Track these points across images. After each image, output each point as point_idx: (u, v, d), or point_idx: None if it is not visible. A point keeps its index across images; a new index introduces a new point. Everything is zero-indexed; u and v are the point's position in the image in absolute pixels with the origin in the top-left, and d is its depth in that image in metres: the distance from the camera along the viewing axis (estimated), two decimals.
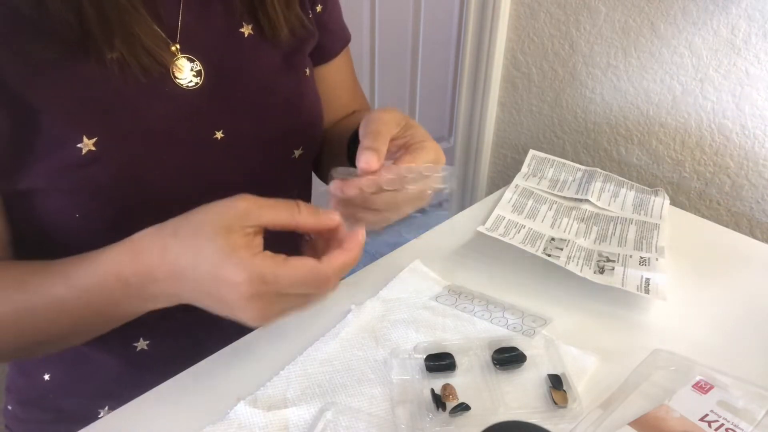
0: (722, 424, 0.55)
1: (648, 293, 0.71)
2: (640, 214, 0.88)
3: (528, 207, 0.89)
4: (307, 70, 0.73)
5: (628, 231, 0.84)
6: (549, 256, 0.77)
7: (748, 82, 1.00)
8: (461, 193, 1.52)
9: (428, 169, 0.56)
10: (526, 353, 0.63)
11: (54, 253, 0.57)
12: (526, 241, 0.80)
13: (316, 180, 0.83)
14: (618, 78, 1.16)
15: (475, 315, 0.70)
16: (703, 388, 0.59)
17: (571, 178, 0.95)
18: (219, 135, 0.65)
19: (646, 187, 0.93)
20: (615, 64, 1.16)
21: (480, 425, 0.49)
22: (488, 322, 0.69)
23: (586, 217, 0.87)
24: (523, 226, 0.84)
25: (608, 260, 0.77)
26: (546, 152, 1.01)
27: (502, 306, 0.71)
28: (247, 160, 0.68)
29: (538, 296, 0.73)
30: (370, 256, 0.69)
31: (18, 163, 0.57)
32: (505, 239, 0.80)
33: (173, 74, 0.62)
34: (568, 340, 0.65)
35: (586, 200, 0.90)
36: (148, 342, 0.70)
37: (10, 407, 0.76)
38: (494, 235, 0.81)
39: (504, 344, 0.64)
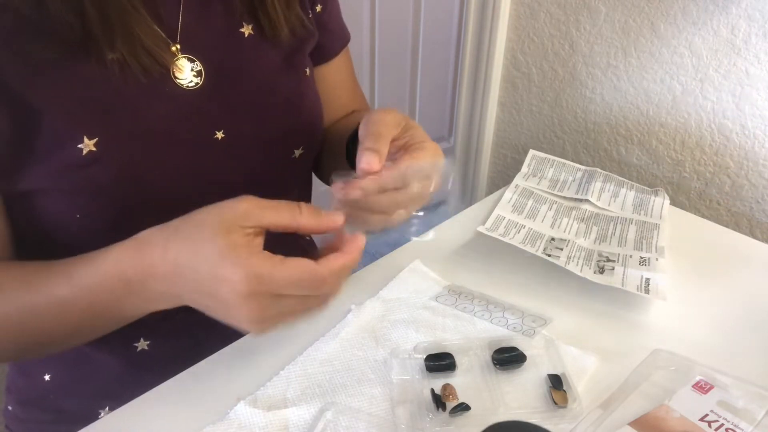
0: (722, 424, 0.55)
1: (648, 293, 0.71)
2: (640, 214, 0.88)
3: (528, 207, 0.89)
4: (308, 70, 0.73)
5: (628, 231, 0.84)
6: (549, 256, 0.77)
7: (748, 82, 1.00)
8: (461, 193, 1.52)
9: (428, 166, 0.57)
10: (526, 353, 0.63)
11: (54, 253, 0.57)
12: (526, 241, 0.80)
13: (316, 180, 0.83)
14: (618, 78, 1.17)
15: (475, 315, 0.70)
16: (703, 388, 0.59)
17: (571, 178, 0.95)
18: (219, 135, 0.65)
19: (646, 187, 0.93)
20: (615, 64, 1.16)
21: (480, 425, 0.49)
22: (488, 322, 0.69)
23: (586, 217, 0.87)
24: (523, 226, 0.84)
25: (608, 260, 0.77)
26: (546, 152, 1.01)
27: (502, 306, 0.71)
28: (247, 160, 0.68)
29: (538, 296, 0.73)
30: (370, 256, 0.69)
31: (18, 163, 0.57)
32: (505, 239, 0.80)
33: (174, 74, 0.62)
34: (568, 340, 0.65)
35: (586, 200, 0.90)
36: (148, 342, 0.70)
37: (10, 407, 0.76)
38: (494, 235, 0.81)
39: (504, 344, 0.64)
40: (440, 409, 0.57)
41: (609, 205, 0.90)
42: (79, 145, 0.56)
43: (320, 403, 0.59)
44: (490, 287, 0.74)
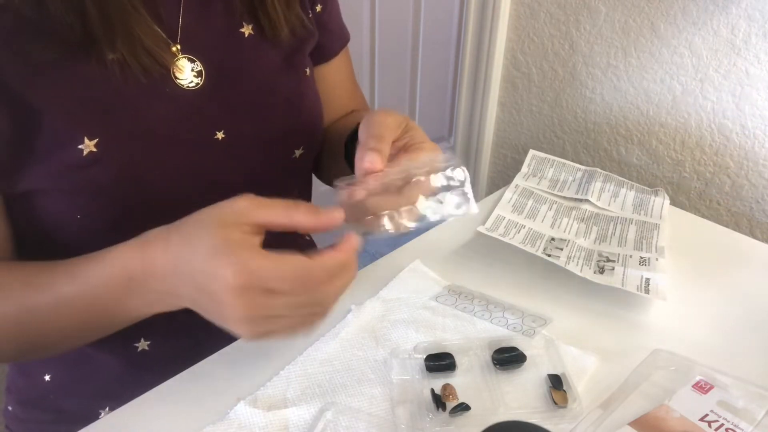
0: (722, 424, 0.55)
1: (648, 293, 0.71)
2: (640, 214, 0.88)
3: (528, 207, 0.89)
4: (308, 70, 0.73)
5: (628, 231, 0.84)
6: (549, 256, 0.77)
7: (748, 82, 1.00)
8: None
9: (429, 160, 0.57)
10: (526, 353, 0.63)
11: (55, 253, 0.57)
12: (526, 241, 0.80)
13: (316, 180, 0.83)
14: (618, 78, 1.17)
15: (475, 315, 0.70)
16: (703, 388, 0.59)
17: (571, 178, 0.95)
18: (220, 135, 0.65)
19: (646, 187, 0.93)
20: (615, 64, 1.16)
21: (480, 425, 0.49)
22: (488, 322, 0.69)
23: (586, 217, 0.87)
24: (523, 226, 0.84)
25: (608, 260, 0.77)
26: (546, 152, 1.01)
27: (502, 306, 0.71)
28: (247, 160, 0.68)
29: (538, 296, 0.73)
30: (370, 256, 0.69)
31: (19, 163, 0.57)
32: (505, 239, 0.80)
33: (174, 75, 0.62)
34: (568, 340, 0.65)
35: (586, 200, 0.90)
36: (149, 342, 0.70)
37: (10, 408, 0.76)
38: (494, 235, 0.81)
39: (504, 344, 0.64)
40: (440, 409, 0.57)
41: (609, 205, 0.90)
42: (80, 146, 0.56)
43: (320, 403, 0.59)
44: (490, 287, 0.74)
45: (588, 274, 0.74)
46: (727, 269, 0.79)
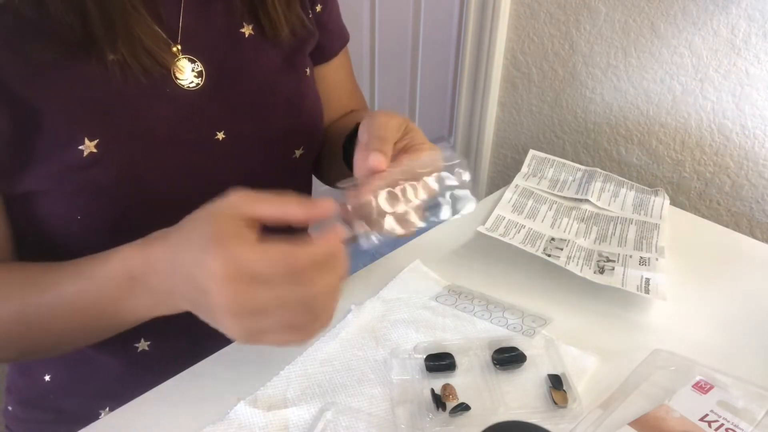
0: (722, 424, 0.55)
1: (648, 293, 0.71)
2: (640, 214, 0.88)
3: (528, 207, 0.89)
4: (308, 70, 0.73)
5: (628, 231, 0.84)
6: (549, 256, 0.77)
7: (748, 82, 1.00)
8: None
9: (431, 159, 0.58)
10: (526, 353, 0.63)
11: (55, 254, 0.57)
12: (526, 241, 0.80)
13: (316, 180, 0.83)
14: (618, 78, 1.17)
15: (475, 315, 0.70)
16: (703, 388, 0.59)
17: (571, 178, 0.95)
18: (220, 136, 0.65)
19: (646, 187, 0.93)
20: (615, 64, 1.16)
21: (480, 425, 0.49)
22: (488, 322, 0.69)
23: (586, 217, 0.87)
24: (523, 226, 0.84)
25: (608, 260, 0.77)
26: (546, 152, 1.01)
27: (502, 306, 0.71)
28: (248, 160, 0.68)
29: (538, 296, 0.73)
30: (370, 256, 0.69)
31: (19, 164, 0.57)
32: (505, 239, 0.80)
33: (174, 75, 0.62)
34: (568, 340, 0.65)
35: (586, 200, 0.90)
36: (149, 343, 0.70)
37: (10, 408, 0.76)
38: (494, 235, 0.81)
39: (504, 344, 0.64)
40: (440, 409, 0.57)
41: (609, 205, 0.90)
42: (80, 147, 0.56)
43: (320, 403, 0.59)
44: (490, 287, 0.74)
45: (588, 274, 0.74)
46: (727, 269, 0.79)
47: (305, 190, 0.80)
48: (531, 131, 1.37)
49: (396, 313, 0.70)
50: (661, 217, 0.87)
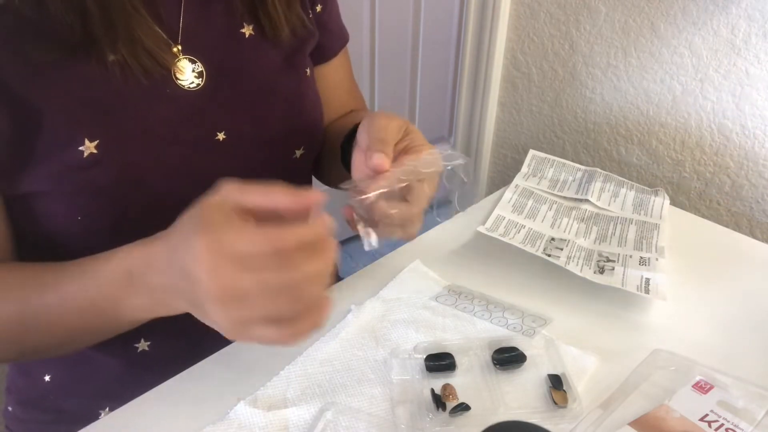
0: (722, 424, 0.55)
1: (648, 293, 0.71)
2: (640, 214, 0.88)
3: (528, 207, 0.89)
4: (308, 70, 0.73)
5: (628, 231, 0.84)
6: (549, 256, 0.77)
7: (748, 82, 1.00)
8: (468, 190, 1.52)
9: (433, 159, 0.58)
10: (526, 353, 0.63)
11: (55, 254, 0.57)
12: (526, 241, 0.80)
13: (316, 180, 0.83)
14: (618, 78, 1.17)
15: (475, 315, 0.70)
16: (703, 388, 0.59)
17: (571, 178, 0.95)
18: (221, 136, 0.65)
19: (646, 187, 0.93)
20: (615, 64, 1.16)
21: (480, 425, 0.49)
22: (488, 322, 0.69)
23: (586, 217, 0.87)
24: (523, 226, 0.84)
25: (608, 260, 0.77)
26: (546, 152, 1.01)
27: (502, 306, 0.71)
28: (248, 160, 0.68)
29: (538, 296, 0.73)
30: (370, 256, 0.69)
31: (19, 164, 0.57)
32: (505, 239, 0.80)
33: (175, 75, 0.62)
34: (568, 340, 0.65)
35: (586, 200, 0.90)
36: (149, 343, 0.70)
37: (10, 408, 0.76)
38: (494, 235, 0.81)
39: (504, 344, 0.64)
40: (440, 409, 0.57)
41: (609, 205, 0.90)
42: (80, 148, 0.56)
43: (320, 403, 0.59)
44: (490, 287, 0.74)
45: (588, 274, 0.74)
46: (727, 269, 0.79)
47: (306, 189, 0.80)
48: (531, 131, 1.37)
49: (396, 313, 0.70)
50: (661, 217, 0.87)
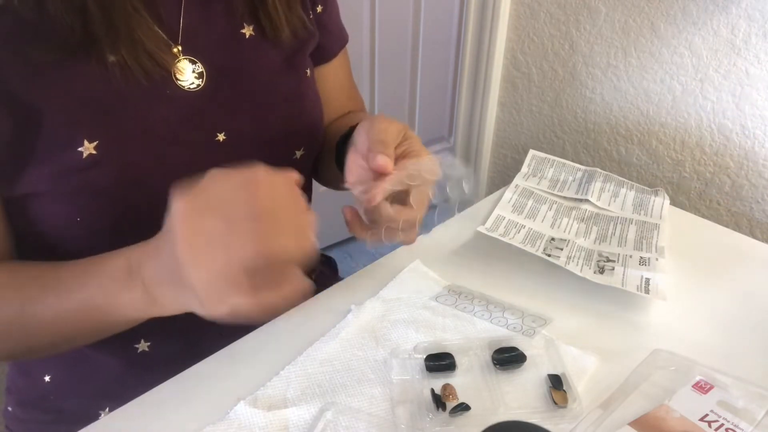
0: (722, 424, 0.55)
1: (648, 293, 0.71)
2: (640, 214, 0.88)
3: (528, 207, 0.89)
4: (308, 71, 0.73)
5: (628, 231, 0.84)
6: (549, 256, 0.77)
7: (748, 82, 1.00)
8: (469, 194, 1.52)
9: (434, 163, 0.59)
10: (526, 353, 0.63)
11: (55, 255, 0.58)
12: (526, 241, 0.80)
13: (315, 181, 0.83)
14: (618, 78, 1.17)
15: (475, 315, 0.70)
16: (703, 388, 0.59)
17: (571, 178, 0.95)
18: (221, 137, 0.65)
19: (646, 187, 0.93)
20: (615, 64, 1.16)
21: (480, 425, 0.49)
22: (488, 322, 0.69)
23: (586, 217, 0.87)
24: (523, 226, 0.84)
25: (608, 260, 0.77)
26: (546, 152, 1.01)
27: (502, 306, 0.71)
28: (248, 161, 0.67)
29: (538, 296, 0.73)
30: (370, 256, 0.69)
31: (19, 165, 0.57)
32: (505, 239, 0.80)
33: (175, 76, 0.62)
34: (568, 340, 0.65)
35: (586, 200, 0.90)
36: (149, 343, 0.70)
37: (10, 408, 0.76)
38: (494, 235, 0.81)
39: (504, 344, 0.64)
40: (440, 409, 0.57)
41: (609, 205, 0.90)
42: (80, 149, 0.56)
43: (320, 403, 0.59)
44: (490, 287, 0.74)
45: (588, 274, 0.74)
46: (727, 269, 0.79)
47: (306, 190, 0.80)
48: (531, 131, 1.37)
49: (396, 313, 0.70)
50: (661, 217, 0.87)
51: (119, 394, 0.61)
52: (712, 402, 0.57)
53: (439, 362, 0.62)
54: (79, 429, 0.57)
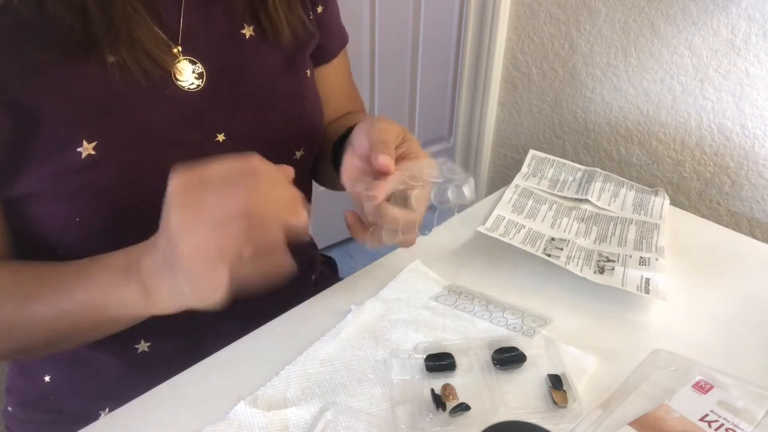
0: (722, 424, 0.55)
1: (648, 293, 0.71)
2: (640, 214, 0.88)
3: (528, 207, 0.89)
4: (308, 72, 0.73)
5: (628, 231, 0.84)
6: (549, 256, 0.77)
7: (748, 82, 1.00)
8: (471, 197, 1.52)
9: (433, 165, 0.59)
10: (526, 353, 0.63)
11: (54, 255, 0.57)
12: (526, 241, 0.80)
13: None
14: (618, 78, 1.17)
15: (475, 315, 0.70)
16: (703, 388, 0.59)
17: (571, 178, 0.95)
18: (221, 137, 0.65)
19: (646, 187, 0.93)
20: (615, 64, 1.16)
21: (480, 425, 0.49)
22: (488, 322, 0.69)
23: (586, 217, 0.87)
24: (523, 226, 0.84)
25: (608, 260, 0.77)
26: (546, 152, 1.01)
27: (502, 306, 0.71)
28: None
29: (538, 296, 0.73)
30: (370, 256, 0.69)
31: (18, 166, 0.57)
32: (505, 239, 0.80)
33: (175, 77, 0.62)
34: (568, 340, 0.65)
35: (586, 200, 0.90)
36: (149, 344, 0.70)
37: (10, 408, 0.76)
38: (494, 235, 0.81)
39: (504, 344, 0.64)
40: (440, 409, 0.57)
41: (609, 205, 0.90)
42: (78, 149, 0.56)
43: (320, 403, 0.59)
44: (490, 287, 0.74)
45: (588, 274, 0.74)
46: (727, 269, 0.79)
47: (305, 191, 0.80)
48: (531, 131, 1.37)
49: (396, 313, 0.70)
50: (661, 217, 0.87)
51: (119, 394, 0.61)
52: (712, 402, 0.57)
53: (439, 362, 0.62)
54: (79, 429, 0.57)
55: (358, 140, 0.60)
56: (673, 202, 0.92)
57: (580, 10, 1.17)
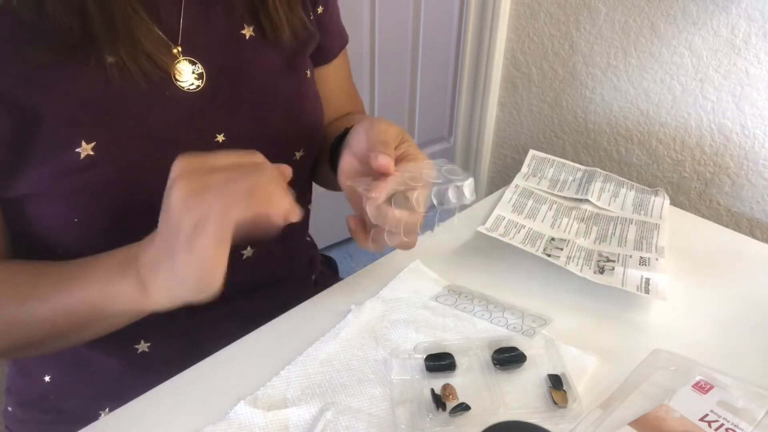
0: (722, 424, 0.55)
1: (648, 293, 0.71)
2: (640, 214, 0.88)
3: (528, 207, 0.89)
4: (308, 72, 0.73)
5: (628, 231, 0.84)
6: (549, 256, 0.77)
7: (748, 82, 1.00)
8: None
9: (432, 166, 0.59)
10: (526, 353, 0.63)
11: (54, 256, 0.57)
12: (526, 241, 0.80)
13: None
14: (618, 78, 1.17)
15: (475, 315, 0.70)
16: (703, 388, 0.59)
17: (571, 178, 0.95)
18: (220, 138, 0.65)
19: (646, 187, 0.93)
20: (615, 64, 1.16)
21: (480, 425, 0.49)
22: (488, 322, 0.69)
23: (586, 217, 0.87)
24: (523, 226, 0.84)
25: (608, 260, 0.77)
26: (546, 152, 1.01)
27: (502, 306, 0.71)
28: None
29: (538, 296, 0.73)
30: (370, 256, 0.69)
31: (17, 166, 0.57)
32: (505, 239, 0.80)
33: (174, 77, 0.62)
34: (568, 340, 0.65)
35: (586, 200, 0.90)
36: (149, 344, 0.70)
37: (10, 408, 0.76)
38: (494, 235, 0.81)
39: (504, 344, 0.64)
40: (440, 409, 0.57)
41: (609, 205, 0.90)
42: (77, 149, 0.56)
43: (320, 403, 0.59)
44: (490, 287, 0.74)
45: (588, 274, 0.74)
46: (727, 269, 0.79)
47: (305, 191, 0.80)
48: (531, 131, 1.37)
49: (396, 313, 0.70)
50: (661, 217, 0.87)
51: (119, 394, 0.61)
52: (712, 402, 0.57)
53: (439, 362, 0.62)
54: (79, 429, 0.57)
55: (357, 141, 0.61)
56: (673, 202, 0.92)
57: (580, 10, 1.17)
